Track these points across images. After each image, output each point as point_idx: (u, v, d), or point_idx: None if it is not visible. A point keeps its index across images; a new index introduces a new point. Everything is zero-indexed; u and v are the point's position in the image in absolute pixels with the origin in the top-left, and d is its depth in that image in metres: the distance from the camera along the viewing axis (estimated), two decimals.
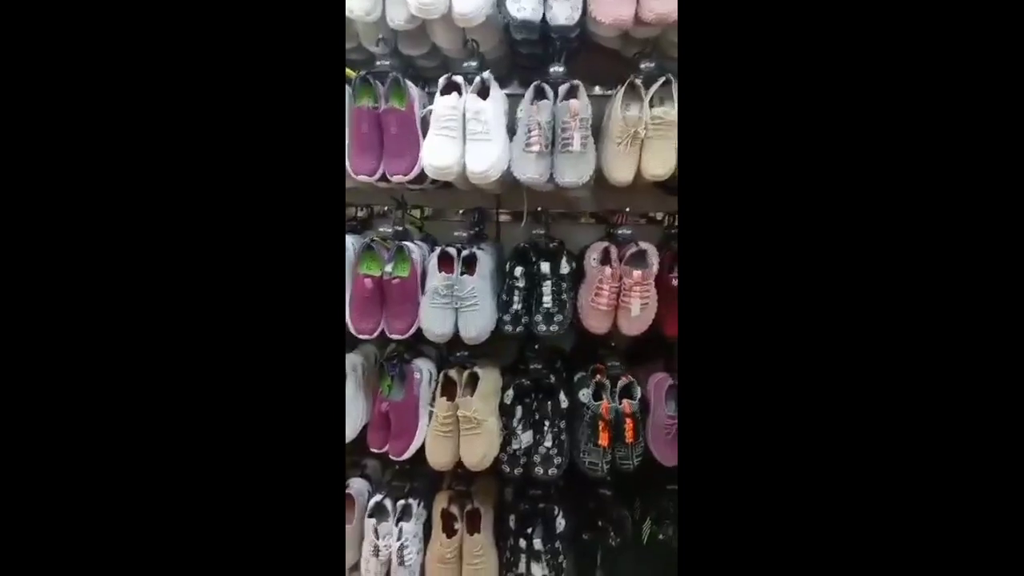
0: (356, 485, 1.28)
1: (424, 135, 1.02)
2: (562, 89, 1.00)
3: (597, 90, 1.14)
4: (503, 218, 1.33)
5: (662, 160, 0.97)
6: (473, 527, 1.18)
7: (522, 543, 1.17)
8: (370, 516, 1.19)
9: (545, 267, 1.06)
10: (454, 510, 1.19)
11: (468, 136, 0.98)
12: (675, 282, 1.07)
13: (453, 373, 1.15)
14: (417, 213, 1.27)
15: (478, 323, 1.06)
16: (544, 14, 0.95)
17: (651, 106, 0.98)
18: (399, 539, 1.16)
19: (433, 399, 1.15)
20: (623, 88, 1.01)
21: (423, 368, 1.18)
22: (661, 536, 1.18)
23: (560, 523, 1.18)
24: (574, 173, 0.98)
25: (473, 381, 1.13)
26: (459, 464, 1.11)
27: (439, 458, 1.10)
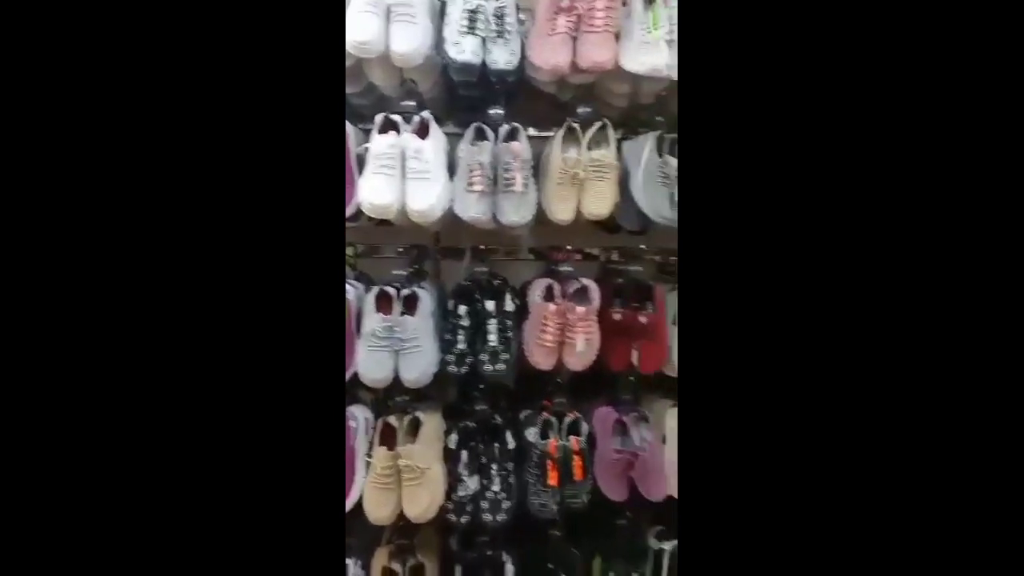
0: None
1: (360, 173, 0.99)
2: (502, 131, 1.01)
3: (531, 131, 1.18)
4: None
5: (601, 200, 1.01)
6: None
7: None
8: None
9: (490, 305, 1.05)
10: (395, 567, 1.12)
11: (408, 175, 0.96)
12: (616, 316, 1.09)
13: (392, 419, 1.09)
14: (350, 251, 1.22)
15: (420, 365, 1.02)
16: (484, 58, 0.96)
17: (589, 149, 1.02)
18: None
19: (370, 448, 1.08)
20: (562, 131, 1.04)
21: (358, 416, 1.11)
22: (611, 573, 1.17)
23: (509, 570, 1.14)
24: (517, 213, 0.99)
25: (415, 427, 1.08)
26: (400, 516, 1.04)
27: (379, 512, 1.03)
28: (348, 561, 1.11)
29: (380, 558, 1.13)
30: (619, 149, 1.09)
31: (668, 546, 1.19)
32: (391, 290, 1.05)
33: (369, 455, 1.06)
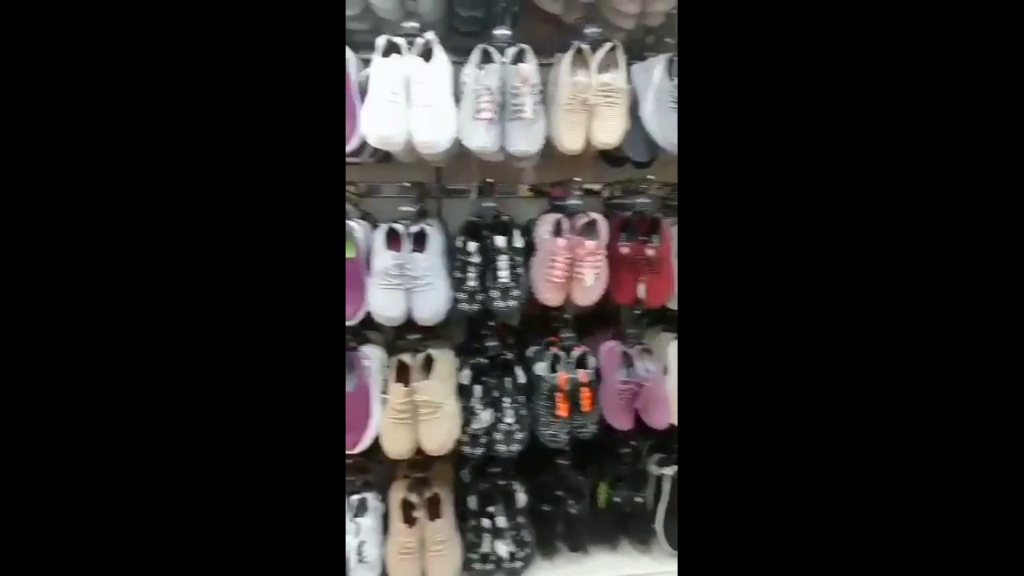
0: None
1: (362, 103, 0.94)
2: (509, 53, 0.96)
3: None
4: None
5: (611, 128, 0.98)
6: (435, 513, 1.15)
7: (485, 523, 1.15)
8: None
9: (500, 241, 1.03)
10: (413, 498, 1.15)
11: (413, 103, 0.91)
12: (624, 250, 1.09)
13: (406, 357, 1.09)
14: (352, 189, 1.18)
15: (433, 303, 1.01)
16: None
17: (599, 73, 0.98)
18: (357, 536, 1.09)
19: (385, 386, 1.09)
20: (570, 54, 1.00)
21: (373, 355, 1.11)
22: (616, 499, 1.23)
23: (520, 498, 1.18)
24: (526, 141, 0.96)
25: (428, 364, 1.09)
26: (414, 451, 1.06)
27: (397, 446, 1.04)
28: (367, 495, 1.14)
29: (397, 491, 1.16)
30: (628, 73, 1.05)
31: (669, 471, 1.25)
32: (400, 227, 1.03)
33: (384, 393, 1.07)
